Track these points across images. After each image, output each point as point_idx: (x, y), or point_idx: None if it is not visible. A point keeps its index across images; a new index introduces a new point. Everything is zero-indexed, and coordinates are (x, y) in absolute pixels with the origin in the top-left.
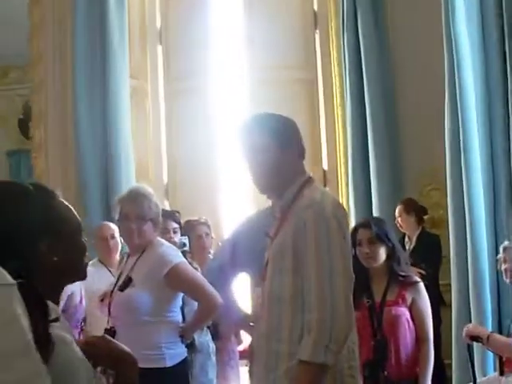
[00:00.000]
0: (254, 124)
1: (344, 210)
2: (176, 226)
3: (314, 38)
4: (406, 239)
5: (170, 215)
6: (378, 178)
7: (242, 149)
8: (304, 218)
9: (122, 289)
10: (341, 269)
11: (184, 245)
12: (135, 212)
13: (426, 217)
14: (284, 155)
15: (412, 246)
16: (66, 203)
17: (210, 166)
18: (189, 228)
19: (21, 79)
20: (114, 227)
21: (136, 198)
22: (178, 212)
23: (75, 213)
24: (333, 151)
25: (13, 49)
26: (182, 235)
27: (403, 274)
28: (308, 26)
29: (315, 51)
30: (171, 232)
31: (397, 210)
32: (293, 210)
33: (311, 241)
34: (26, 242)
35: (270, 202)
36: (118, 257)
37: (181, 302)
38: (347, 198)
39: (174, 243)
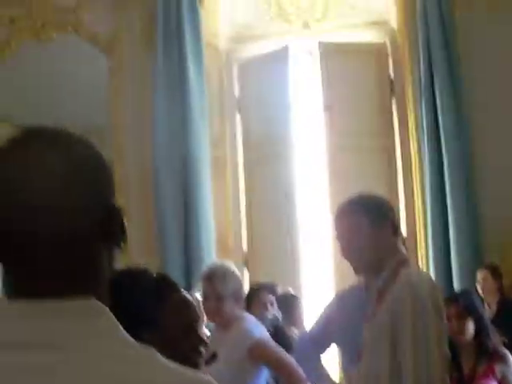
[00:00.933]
0: (348, 206)
1: (439, 290)
2: (272, 298)
3: (391, 105)
4: (486, 306)
5: (267, 287)
6: (458, 243)
7: (337, 230)
8: (401, 299)
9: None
10: (437, 351)
11: (276, 319)
12: (213, 292)
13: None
14: (379, 234)
15: (492, 313)
16: (186, 296)
17: (290, 234)
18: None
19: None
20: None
21: (213, 277)
22: (275, 285)
23: (193, 305)
24: (411, 218)
25: (90, 118)
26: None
27: (492, 346)
28: (384, 92)
29: (392, 118)
30: (267, 305)
31: (481, 275)
32: (389, 291)
33: (408, 322)
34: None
35: (352, 271)
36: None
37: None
38: (427, 264)
39: (266, 318)
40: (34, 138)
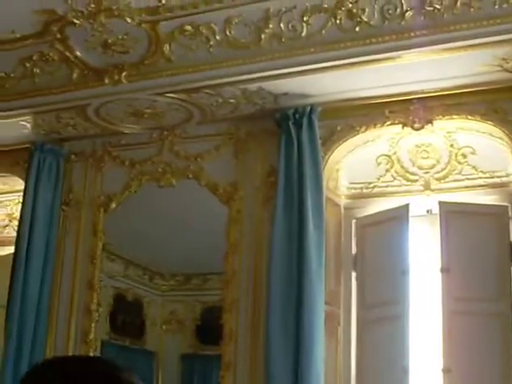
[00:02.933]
0: None
1: None
2: None
3: (509, 271)
4: None
5: None
6: None
7: None
8: None
9: None
10: None
11: None
12: None
13: None
14: None
15: None
16: None
17: None
18: None
19: (202, 286)
20: None
21: None
22: None
23: None
24: None
25: (206, 264)
26: None
27: None
28: (504, 257)
29: (510, 284)
30: None
31: None
32: None
33: None
34: None
35: None
36: None
37: None
38: None
39: None
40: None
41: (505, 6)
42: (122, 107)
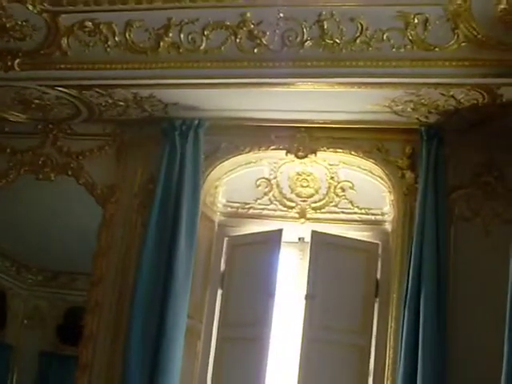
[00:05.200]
0: None
1: None
2: None
3: (373, 306)
4: None
5: None
6: None
7: None
8: None
9: None
10: None
11: None
12: None
13: None
14: None
15: None
16: None
17: None
18: None
19: (69, 285)
20: None
21: None
22: None
23: None
24: None
25: (75, 264)
26: None
27: None
28: (369, 293)
29: (372, 319)
30: None
31: None
32: None
33: None
34: None
35: None
36: None
37: None
38: None
39: None
40: None
41: (402, 50)
42: (10, 94)
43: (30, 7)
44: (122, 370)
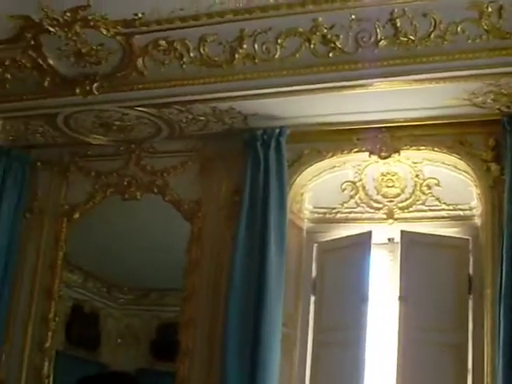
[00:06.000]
0: None
1: None
2: None
3: (467, 303)
4: None
5: None
6: None
7: None
8: None
9: None
10: None
11: None
12: None
13: None
14: None
15: None
16: None
17: None
18: None
19: (159, 301)
20: None
21: None
22: None
23: None
24: None
25: (165, 280)
26: None
27: None
28: (462, 290)
29: (467, 316)
30: None
31: None
32: None
33: None
34: None
35: None
36: None
37: None
38: None
39: None
40: None
41: (477, 41)
42: (91, 118)
43: (104, 31)
44: (220, 382)
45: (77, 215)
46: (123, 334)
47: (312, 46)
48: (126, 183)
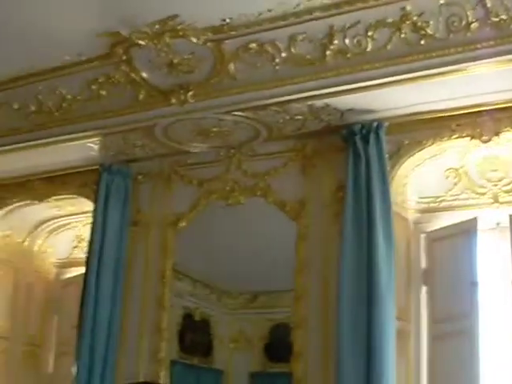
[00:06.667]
0: None
1: None
2: None
3: None
4: None
5: None
6: None
7: None
8: None
9: None
10: None
11: None
12: None
13: None
14: None
15: None
16: None
17: None
18: None
19: (269, 303)
20: None
21: None
22: None
23: None
24: None
25: (272, 282)
26: None
27: None
28: None
29: None
30: None
31: None
32: None
33: None
34: None
35: None
36: None
37: None
38: None
39: None
40: None
41: None
42: (188, 127)
43: (194, 40)
44: (337, 380)
45: (183, 224)
46: (235, 338)
47: (403, 35)
48: (228, 188)
